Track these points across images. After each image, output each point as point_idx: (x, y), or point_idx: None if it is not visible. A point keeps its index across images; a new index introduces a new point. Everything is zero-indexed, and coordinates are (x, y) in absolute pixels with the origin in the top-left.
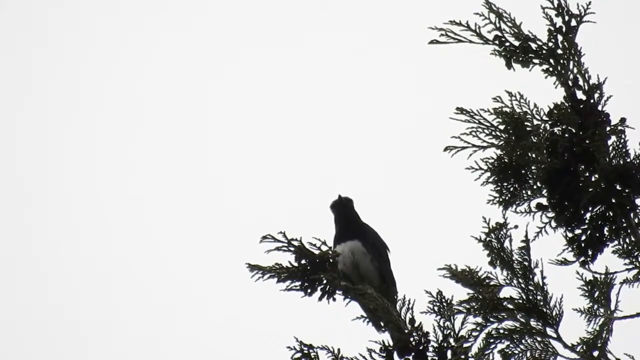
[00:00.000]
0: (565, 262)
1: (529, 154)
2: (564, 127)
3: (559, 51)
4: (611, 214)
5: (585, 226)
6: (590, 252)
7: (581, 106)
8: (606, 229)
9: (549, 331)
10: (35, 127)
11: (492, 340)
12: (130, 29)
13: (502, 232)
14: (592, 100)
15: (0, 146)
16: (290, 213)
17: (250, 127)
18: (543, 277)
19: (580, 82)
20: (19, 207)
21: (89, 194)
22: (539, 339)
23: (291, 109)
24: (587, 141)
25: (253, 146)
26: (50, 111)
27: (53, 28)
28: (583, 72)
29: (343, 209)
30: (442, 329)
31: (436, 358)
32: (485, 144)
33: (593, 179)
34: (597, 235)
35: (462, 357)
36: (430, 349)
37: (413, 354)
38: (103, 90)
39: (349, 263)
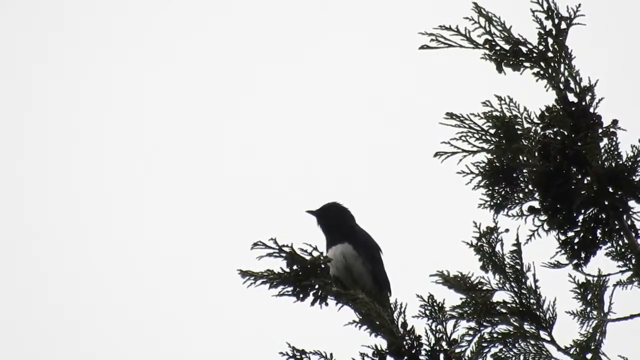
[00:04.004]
0: (558, 265)
1: (520, 157)
2: (555, 129)
3: (550, 54)
4: (604, 216)
5: (578, 229)
6: (583, 255)
7: (573, 109)
8: (599, 231)
9: (543, 334)
10: (40, 129)
11: (485, 345)
12: (140, 29)
13: (493, 237)
14: (583, 103)
15: (2, 147)
16: (289, 213)
17: (252, 127)
18: (536, 281)
19: (572, 85)
20: (19, 208)
21: (89, 195)
22: (532, 342)
23: (290, 110)
24: (579, 144)
25: (256, 145)
26: (55, 111)
27: (66, 23)
28: (574, 74)
29: (323, 223)
30: (434, 332)
31: None
32: (475, 149)
33: (585, 182)
34: (590, 237)
35: None
36: (423, 352)
37: (406, 357)
38: (110, 90)
39: (341, 267)
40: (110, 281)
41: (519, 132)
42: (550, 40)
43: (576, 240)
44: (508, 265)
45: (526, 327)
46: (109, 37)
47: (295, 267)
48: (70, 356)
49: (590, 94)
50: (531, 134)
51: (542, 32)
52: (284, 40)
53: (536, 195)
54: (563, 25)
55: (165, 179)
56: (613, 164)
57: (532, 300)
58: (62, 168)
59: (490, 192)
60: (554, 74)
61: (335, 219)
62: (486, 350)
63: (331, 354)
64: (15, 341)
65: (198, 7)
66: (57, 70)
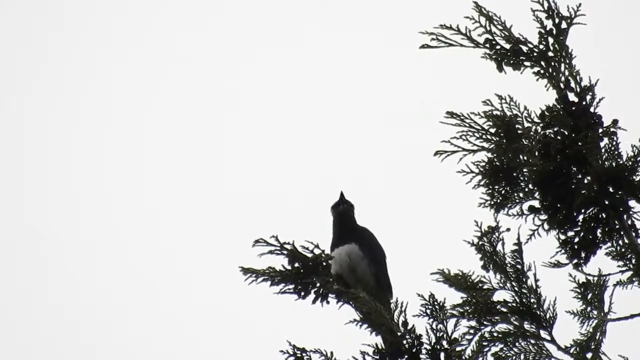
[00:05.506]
0: (558, 265)
1: (521, 157)
2: (556, 129)
3: (550, 54)
4: (604, 216)
5: (578, 228)
6: (583, 254)
7: (573, 108)
8: (599, 231)
9: (543, 334)
10: (40, 129)
11: (485, 343)
12: (140, 29)
13: (494, 236)
14: (584, 102)
15: (2, 147)
16: (290, 212)
17: (253, 126)
18: (536, 280)
19: (572, 84)
20: (19, 208)
21: (90, 195)
22: (532, 341)
23: (292, 108)
24: (579, 143)
25: (256, 145)
26: (55, 111)
27: (66, 23)
28: (574, 74)
29: (343, 212)
30: (434, 331)
31: None
32: (475, 148)
33: (586, 181)
34: (590, 237)
35: (456, 359)
36: (424, 351)
37: (406, 356)
38: (110, 90)
39: (345, 266)
40: (110, 281)
41: (519, 131)
42: (550, 40)
43: (576, 239)
44: (509, 265)
45: (526, 326)
46: (109, 37)
47: (296, 265)
48: (70, 356)
49: (590, 93)
50: (531, 133)
51: (543, 31)
52: (286, 39)
53: (536, 194)
54: (563, 25)
55: (166, 177)
56: (613, 164)
57: (532, 300)
58: (62, 168)
59: (490, 191)
60: (554, 74)
61: (350, 219)
62: (486, 349)
63: (332, 353)
64: (16, 341)
65: (198, 6)
66: (57, 70)
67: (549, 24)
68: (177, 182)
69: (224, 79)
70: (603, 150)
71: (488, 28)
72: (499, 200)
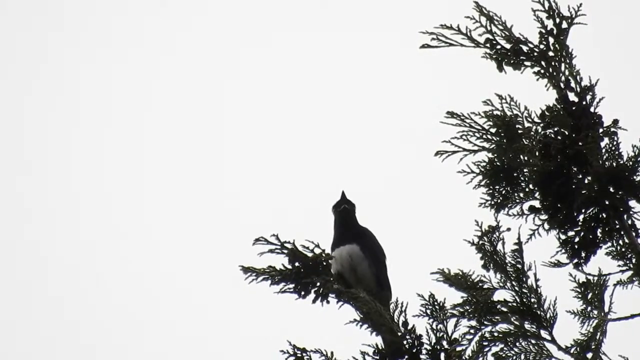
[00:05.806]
0: (558, 264)
1: (521, 157)
2: (556, 129)
3: (551, 53)
4: (604, 215)
5: (579, 228)
6: (583, 254)
7: (573, 108)
8: (599, 230)
9: (543, 333)
10: (40, 129)
11: (485, 343)
12: (140, 29)
13: (494, 235)
14: (584, 102)
15: (2, 147)
16: (292, 212)
17: (254, 126)
18: (536, 280)
19: (572, 84)
20: (20, 208)
21: (90, 194)
22: (533, 341)
23: (293, 108)
24: (580, 143)
25: (256, 145)
26: (55, 111)
27: (66, 23)
28: (575, 74)
29: (344, 212)
30: (435, 331)
31: None
32: (476, 148)
33: (586, 181)
34: (591, 237)
35: (456, 359)
36: (424, 351)
37: (406, 356)
38: (110, 90)
39: (346, 265)
40: (110, 281)
41: (519, 131)
42: (551, 40)
43: (577, 239)
44: (509, 264)
45: (527, 326)
46: (109, 37)
47: (297, 264)
48: (70, 356)
49: (590, 93)
50: (532, 133)
51: (543, 31)
52: (286, 39)
53: (537, 194)
54: (564, 25)
55: (166, 177)
56: (614, 164)
57: (532, 299)
58: (62, 168)
59: (490, 191)
60: (554, 73)
61: (351, 219)
62: (487, 349)
63: (332, 353)
64: (16, 341)
65: (198, 6)
66: (57, 70)
67: (549, 23)
68: (177, 182)
69: (224, 79)
70: (603, 150)
71: (489, 28)
72: (499, 200)
